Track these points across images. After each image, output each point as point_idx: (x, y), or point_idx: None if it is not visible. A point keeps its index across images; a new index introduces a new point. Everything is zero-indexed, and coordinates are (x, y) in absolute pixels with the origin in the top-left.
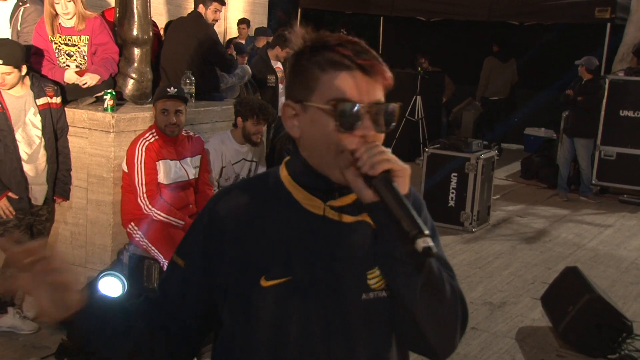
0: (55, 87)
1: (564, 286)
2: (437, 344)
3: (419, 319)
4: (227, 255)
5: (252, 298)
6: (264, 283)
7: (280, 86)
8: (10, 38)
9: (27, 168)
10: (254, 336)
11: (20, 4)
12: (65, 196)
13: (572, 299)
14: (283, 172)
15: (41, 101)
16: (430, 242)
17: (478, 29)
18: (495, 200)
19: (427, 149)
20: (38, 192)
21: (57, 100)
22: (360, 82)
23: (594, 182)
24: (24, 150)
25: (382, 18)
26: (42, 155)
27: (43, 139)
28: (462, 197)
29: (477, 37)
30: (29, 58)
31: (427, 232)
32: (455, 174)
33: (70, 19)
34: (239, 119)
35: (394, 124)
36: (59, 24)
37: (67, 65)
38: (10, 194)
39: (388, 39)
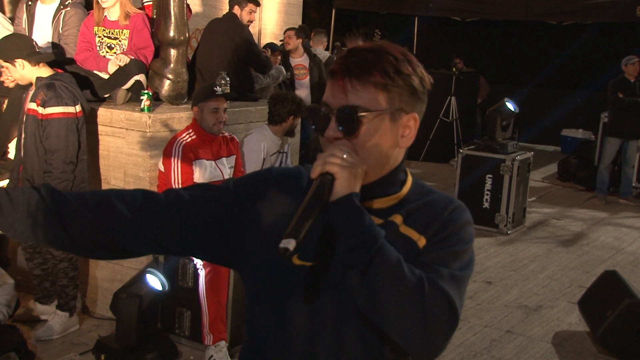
0: (45, 99)
1: (602, 290)
2: (400, 338)
3: (362, 308)
4: (265, 219)
5: (284, 273)
6: (296, 261)
7: (302, 82)
8: (14, 33)
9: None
10: (284, 306)
11: (62, 7)
12: None
13: (611, 304)
14: None
15: (30, 105)
16: (289, 245)
17: (514, 29)
18: (531, 202)
19: (461, 150)
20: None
21: (44, 111)
22: (330, 87)
23: (634, 184)
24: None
25: (416, 18)
26: (16, 154)
27: (20, 139)
28: (497, 198)
29: (513, 37)
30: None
31: (298, 236)
32: (490, 176)
33: (112, 7)
34: (292, 117)
35: (354, 128)
36: (105, 16)
37: (106, 54)
38: None
39: (422, 40)
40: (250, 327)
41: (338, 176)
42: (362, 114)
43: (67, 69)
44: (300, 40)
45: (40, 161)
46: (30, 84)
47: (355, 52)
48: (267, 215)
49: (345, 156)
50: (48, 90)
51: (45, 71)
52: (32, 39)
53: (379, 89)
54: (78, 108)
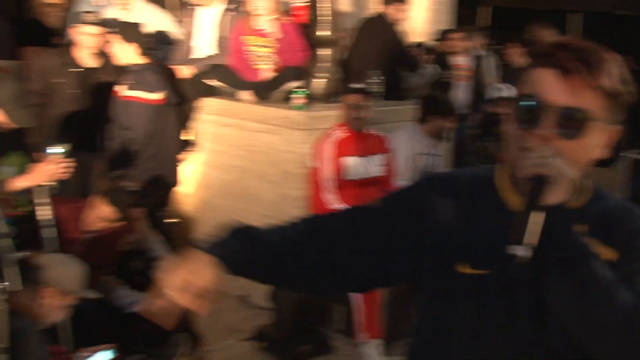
0: None
1: None
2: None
3: (570, 324)
4: (429, 230)
5: (448, 282)
6: (462, 269)
7: (460, 83)
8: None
9: None
10: (449, 319)
11: (227, 11)
12: None
13: None
14: (499, 169)
15: None
16: (519, 252)
17: None
18: None
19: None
20: None
21: None
22: (554, 81)
23: None
24: None
25: (582, 14)
26: None
27: None
28: None
29: None
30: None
31: (525, 241)
32: None
33: (264, 16)
34: (431, 116)
35: (578, 133)
36: (255, 25)
37: (258, 64)
38: None
39: (587, 37)
40: (415, 330)
41: (558, 182)
42: (592, 120)
43: None
44: (469, 43)
45: None
46: None
47: (583, 50)
48: (429, 223)
49: (559, 161)
50: None
51: None
52: None
53: (606, 97)
54: None
